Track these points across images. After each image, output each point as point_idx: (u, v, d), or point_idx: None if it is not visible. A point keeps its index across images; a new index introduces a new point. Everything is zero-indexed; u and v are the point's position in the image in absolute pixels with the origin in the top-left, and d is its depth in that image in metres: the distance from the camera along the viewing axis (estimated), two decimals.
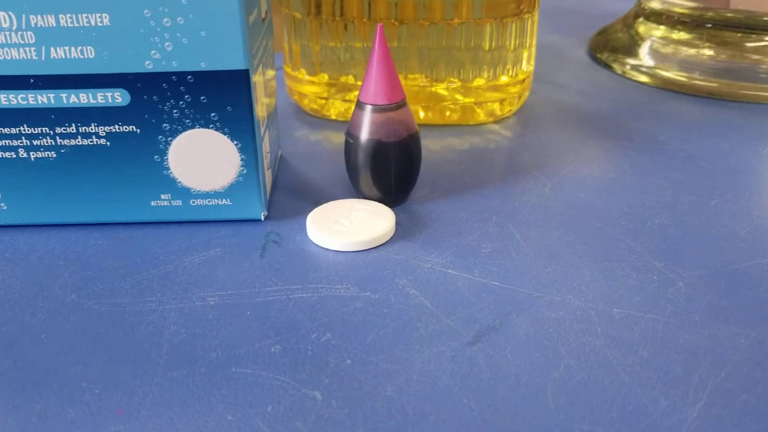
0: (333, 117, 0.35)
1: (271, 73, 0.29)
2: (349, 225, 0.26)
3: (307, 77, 0.35)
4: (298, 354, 0.20)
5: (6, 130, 0.24)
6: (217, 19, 0.23)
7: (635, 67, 0.41)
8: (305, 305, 0.22)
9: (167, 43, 0.23)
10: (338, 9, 0.32)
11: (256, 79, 0.25)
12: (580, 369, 0.19)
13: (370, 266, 0.24)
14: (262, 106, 0.26)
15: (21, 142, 0.24)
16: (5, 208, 0.26)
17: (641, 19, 0.44)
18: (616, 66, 0.42)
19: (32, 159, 0.25)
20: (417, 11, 0.32)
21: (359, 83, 0.34)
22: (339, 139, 0.34)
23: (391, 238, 0.26)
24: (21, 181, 0.25)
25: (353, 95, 0.34)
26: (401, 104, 0.26)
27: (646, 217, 0.27)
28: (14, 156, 0.25)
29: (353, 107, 0.34)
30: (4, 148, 0.25)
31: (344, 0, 0.32)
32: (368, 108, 0.26)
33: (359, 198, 0.28)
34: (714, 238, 0.25)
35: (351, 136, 0.27)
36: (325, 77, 0.34)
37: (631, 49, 0.43)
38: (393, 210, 0.27)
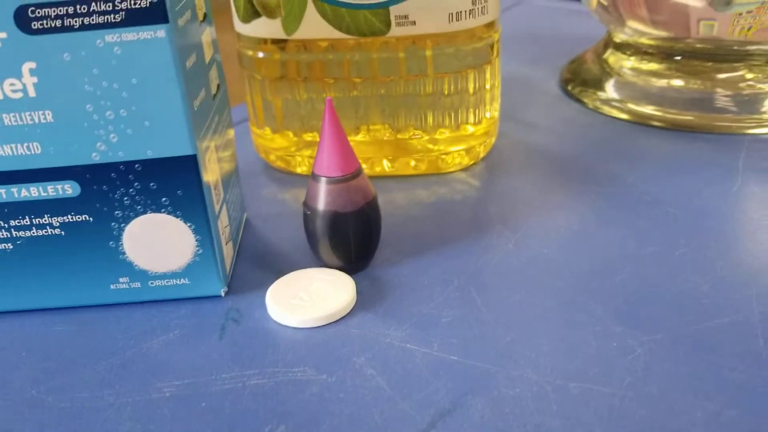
0: (300, 173, 0.35)
1: (230, 133, 0.29)
2: (308, 299, 0.26)
3: (271, 135, 0.35)
4: None
5: None
6: (159, 109, 0.23)
7: (606, 101, 0.41)
8: (260, 393, 0.22)
9: (112, 135, 0.23)
10: (302, 72, 0.32)
11: (209, 155, 0.25)
12: None
13: (328, 344, 0.24)
14: (216, 180, 0.26)
15: None
16: None
17: (611, 50, 0.44)
18: (587, 100, 0.42)
19: None
20: (378, 69, 0.32)
21: None
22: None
23: (352, 309, 0.25)
24: None
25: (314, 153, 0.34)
26: (356, 174, 0.26)
27: (608, 274, 0.26)
28: None
29: None
30: None
31: (308, 63, 0.32)
32: (323, 180, 0.26)
33: (321, 266, 0.28)
34: (675, 295, 0.25)
35: (308, 207, 0.27)
36: (290, 134, 0.34)
37: (602, 82, 0.43)
38: (354, 277, 0.27)
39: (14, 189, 0.24)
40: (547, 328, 0.24)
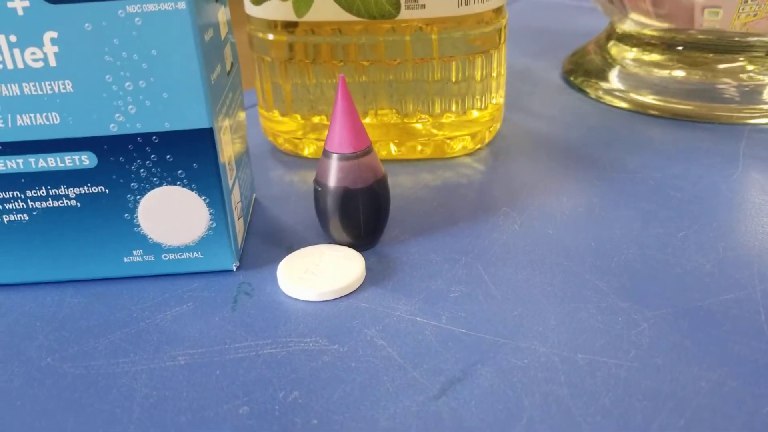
0: (308, 156, 0.36)
1: (241, 115, 0.30)
2: (319, 273, 0.26)
3: (280, 118, 0.35)
4: (266, 415, 0.20)
5: None
6: (178, 81, 0.23)
7: (608, 91, 0.42)
8: (274, 361, 0.22)
9: (130, 106, 0.23)
10: (310, 54, 0.33)
11: (223, 132, 0.26)
12: (542, 422, 0.20)
13: (339, 316, 0.24)
14: (230, 157, 0.26)
15: None
16: None
17: (613, 41, 0.44)
18: (589, 90, 0.43)
19: (5, 222, 0.25)
20: (385, 52, 0.32)
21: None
22: (313, 178, 0.34)
23: (361, 284, 0.26)
24: None
25: (326, 134, 0.35)
26: (367, 151, 0.27)
27: (613, 253, 0.27)
28: None
29: None
30: None
31: (315, 45, 0.33)
32: (334, 156, 0.26)
33: (330, 242, 0.28)
34: (679, 273, 0.26)
35: (319, 184, 0.27)
36: (298, 117, 0.35)
37: (604, 73, 0.43)
38: (363, 254, 0.28)
39: (32, 159, 0.24)
40: (554, 303, 0.24)
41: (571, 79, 0.45)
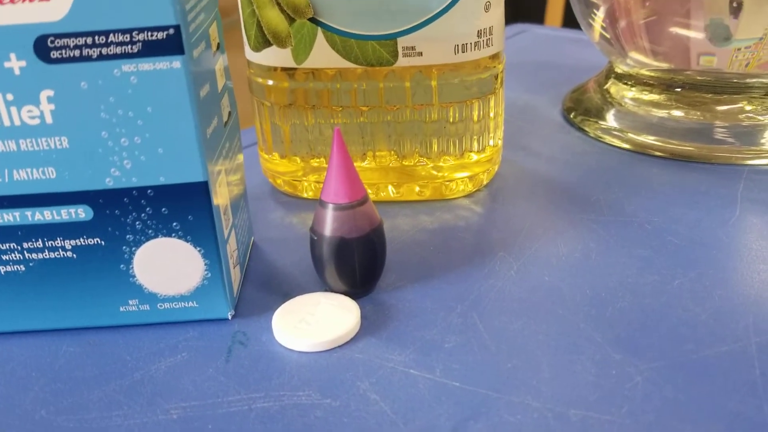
0: (307, 197, 0.36)
1: (239, 158, 0.30)
2: (314, 323, 0.26)
3: (279, 160, 0.35)
4: None
5: None
6: (173, 136, 0.23)
7: (607, 131, 0.42)
8: (266, 416, 0.22)
9: (126, 161, 0.24)
10: (310, 99, 0.33)
11: (219, 182, 0.26)
12: None
13: (332, 368, 0.24)
14: (226, 205, 0.27)
15: None
16: None
17: (612, 80, 0.45)
18: (588, 129, 0.43)
19: (2, 273, 0.25)
20: (384, 97, 0.33)
21: None
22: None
23: (357, 334, 0.26)
24: None
25: (321, 178, 0.35)
26: (363, 201, 0.27)
27: (608, 302, 0.27)
28: None
29: None
30: None
31: (315, 91, 0.33)
32: (330, 206, 0.27)
33: (326, 290, 0.28)
34: (674, 324, 0.25)
35: (315, 233, 0.27)
36: (297, 159, 0.35)
37: (603, 112, 0.43)
38: (359, 301, 0.28)
39: (28, 212, 0.24)
40: (548, 355, 0.24)
41: (571, 117, 0.45)
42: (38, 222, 0.25)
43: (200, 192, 0.24)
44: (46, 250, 0.25)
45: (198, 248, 0.25)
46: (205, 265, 0.26)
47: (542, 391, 0.23)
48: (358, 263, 0.27)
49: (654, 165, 0.38)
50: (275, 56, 0.33)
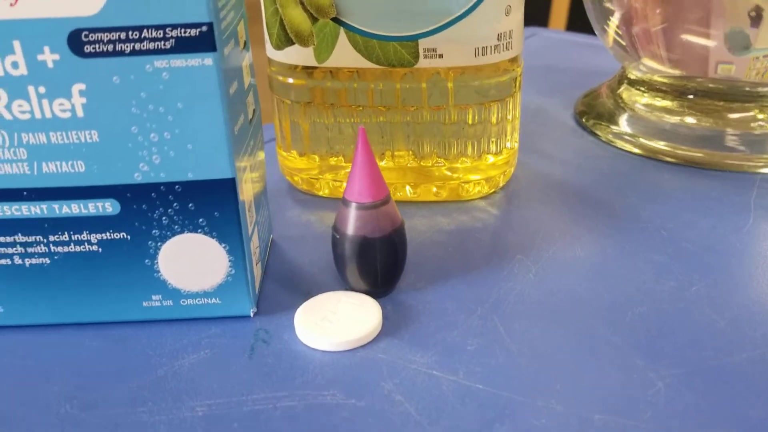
0: (324, 195, 0.36)
1: (260, 155, 0.30)
2: (335, 322, 0.26)
3: (297, 157, 0.35)
4: None
5: (1, 239, 0.25)
6: (202, 133, 0.24)
7: (619, 135, 0.42)
8: (292, 415, 0.22)
9: (155, 156, 0.24)
10: (328, 97, 0.33)
11: (245, 179, 0.26)
12: None
13: (356, 368, 0.24)
14: (250, 200, 0.27)
15: (16, 250, 0.25)
16: (2, 311, 0.26)
17: (625, 86, 0.45)
18: (600, 133, 0.43)
19: (27, 265, 0.25)
20: (402, 98, 0.33)
21: (348, 164, 0.35)
22: (330, 219, 0.34)
23: (378, 334, 0.26)
24: (17, 286, 0.26)
25: (343, 174, 0.35)
26: (385, 200, 0.27)
27: (627, 307, 0.27)
28: (10, 263, 0.25)
29: (344, 185, 0.35)
30: (0, 256, 0.25)
31: (334, 90, 0.33)
32: (353, 205, 0.27)
33: (347, 288, 0.28)
34: (693, 329, 0.26)
35: (337, 231, 0.27)
36: (316, 158, 0.35)
37: (615, 116, 0.44)
38: (380, 301, 0.28)
39: (56, 205, 0.24)
40: (570, 359, 0.25)
41: (583, 121, 0.45)
42: (65, 215, 0.25)
43: (227, 188, 0.25)
44: (72, 244, 0.25)
45: (223, 245, 0.25)
46: (230, 261, 0.26)
47: (565, 396, 0.23)
48: (380, 263, 0.27)
49: (666, 171, 0.38)
50: (297, 55, 0.33)
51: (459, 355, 0.25)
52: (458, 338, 0.26)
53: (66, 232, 0.25)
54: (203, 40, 0.22)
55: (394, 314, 0.27)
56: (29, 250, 0.25)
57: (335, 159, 0.35)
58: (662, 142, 0.40)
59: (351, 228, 0.27)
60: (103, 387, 0.24)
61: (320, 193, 0.36)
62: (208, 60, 0.23)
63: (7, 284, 0.26)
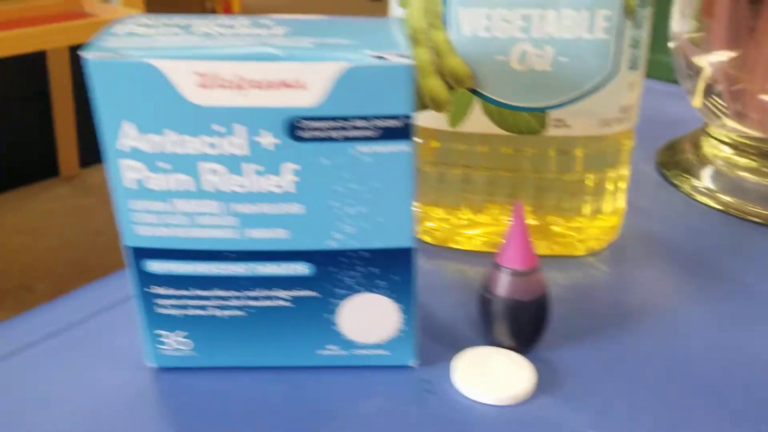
0: (453, 247, 0.39)
1: None
2: (492, 377, 0.29)
3: (424, 209, 0.38)
4: None
5: (202, 293, 0.28)
6: (392, 208, 0.27)
7: (699, 189, 0.45)
8: None
9: (349, 227, 0.27)
10: (457, 159, 0.36)
11: None
12: None
13: (521, 423, 0.27)
14: None
15: (214, 303, 0.28)
16: (195, 354, 0.29)
17: (707, 140, 0.48)
18: (686, 187, 0.46)
19: (223, 317, 0.28)
20: (527, 163, 0.36)
21: (474, 216, 0.38)
22: (451, 269, 0.37)
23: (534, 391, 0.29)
24: (211, 334, 0.29)
25: (469, 230, 0.38)
26: (537, 268, 0.30)
27: (762, 377, 0.30)
28: (207, 314, 0.28)
29: (465, 237, 0.38)
30: (199, 307, 0.28)
31: (461, 151, 0.36)
32: (507, 271, 0.30)
33: (490, 343, 0.31)
34: None
35: (488, 292, 0.30)
36: (442, 211, 0.38)
37: (697, 170, 0.47)
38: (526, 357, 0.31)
39: (256, 266, 0.27)
40: (714, 424, 0.27)
41: (666, 173, 0.48)
42: (262, 274, 0.28)
43: (408, 256, 0.28)
44: (265, 299, 0.28)
45: (399, 304, 0.28)
46: (401, 318, 0.29)
47: None
48: (529, 324, 0.30)
49: (757, 232, 0.41)
50: (431, 119, 0.36)
51: (611, 415, 0.28)
52: (607, 399, 0.28)
53: (261, 289, 0.28)
54: (403, 130, 0.25)
55: (542, 371, 0.30)
56: (226, 303, 0.28)
57: (462, 213, 0.38)
58: (748, 203, 0.43)
59: (503, 291, 0.30)
60: (299, 429, 0.27)
61: (448, 245, 0.39)
62: (404, 147, 0.26)
63: (203, 331, 0.29)
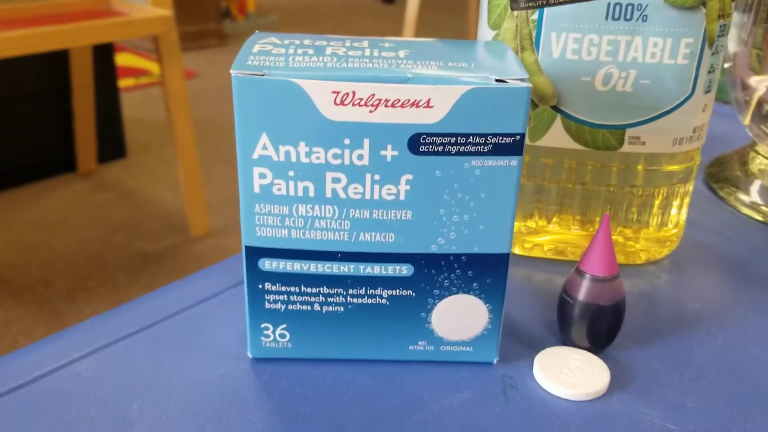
0: (520, 253, 0.41)
1: None
2: (571, 374, 0.31)
3: None
4: None
5: (309, 290, 0.30)
6: (494, 217, 0.29)
7: (750, 205, 0.47)
8: None
9: (452, 233, 0.29)
10: (533, 172, 0.38)
11: None
12: None
13: (601, 417, 0.29)
14: None
15: (318, 299, 0.30)
16: (290, 346, 0.31)
17: (755, 156, 0.50)
18: (732, 200, 0.48)
19: (323, 312, 0.31)
20: (601, 177, 0.38)
21: (548, 227, 0.40)
22: (532, 277, 0.39)
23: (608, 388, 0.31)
24: (309, 327, 0.31)
25: (537, 238, 0.40)
26: (617, 276, 0.32)
27: None
28: (310, 309, 0.31)
29: (537, 244, 0.40)
30: (303, 303, 0.30)
31: (539, 166, 0.38)
32: (588, 276, 0.32)
33: (566, 343, 0.33)
34: None
35: (570, 296, 0.32)
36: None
37: (747, 186, 0.49)
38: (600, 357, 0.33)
39: (362, 266, 0.30)
40: None
41: (714, 186, 0.50)
42: (367, 274, 0.30)
43: (503, 261, 0.30)
44: (366, 297, 0.30)
45: (488, 305, 0.31)
46: (489, 319, 0.31)
47: None
48: (605, 327, 0.32)
49: None
50: None
51: (683, 412, 0.30)
52: (677, 396, 0.31)
53: (364, 287, 0.30)
54: (515, 147, 0.27)
55: (615, 370, 0.32)
56: (329, 300, 0.30)
57: (533, 222, 0.40)
58: None
59: (584, 295, 0.32)
60: (391, 418, 0.29)
61: (517, 252, 0.41)
62: (513, 161, 0.28)
63: (302, 325, 0.31)
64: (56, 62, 1.76)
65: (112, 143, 1.96)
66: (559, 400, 0.30)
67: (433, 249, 0.29)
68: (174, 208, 1.73)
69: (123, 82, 2.50)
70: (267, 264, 0.29)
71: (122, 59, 2.76)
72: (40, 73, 1.77)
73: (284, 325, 0.31)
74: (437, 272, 0.30)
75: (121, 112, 1.96)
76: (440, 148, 0.27)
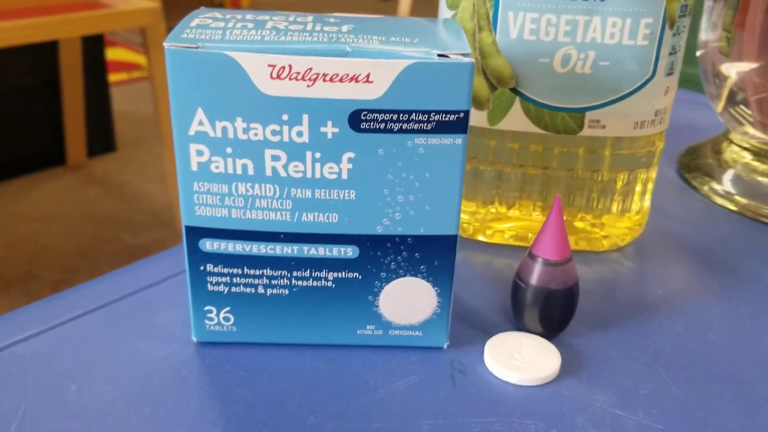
0: (481, 240, 0.40)
1: None
2: (521, 359, 0.31)
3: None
4: None
5: (252, 272, 0.29)
6: (440, 197, 0.28)
7: (720, 193, 0.46)
8: None
9: (397, 214, 0.28)
10: (493, 156, 0.38)
11: None
12: None
13: (548, 402, 0.29)
14: None
15: (261, 282, 0.30)
16: (235, 330, 0.31)
17: (728, 145, 0.49)
18: (704, 189, 0.47)
19: (268, 294, 0.30)
20: (560, 161, 0.37)
21: (508, 213, 0.39)
22: (481, 260, 0.39)
23: (559, 373, 0.31)
24: (254, 311, 0.30)
25: (498, 224, 0.39)
26: (569, 259, 0.31)
27: None
28: (253, 291, 0.30)
29: (499, 231, 0.39)
30: (247, 285, 0.30)
31: (498, 150, 0.37)
32: (540, 260, 0.31)
33: (519, 329, 0.33)
34: None
35: (522, 281, 0.32)
36: (473, 205, 0.39)
37: (719, 175, 0.48)
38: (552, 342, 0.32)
39: (305, 247, 0.29)
40: (736, 409, 0.29)
41: (686, 175, 0.50)
42: (311, 256, 0.29)
43: (450, 243, 0.29)
44: (311, 279, 0.30)
45: (435, 288, 0.30)
46: (438, 302, 0.30)
47: None
48: (558, 311, 0.32)
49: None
50: (471, 117, 0.37)
51: (634, 398, 0.29)
52: (630, 382, 0.30)
53: (308, 269, 0.29)
54: (459, 124, 0.27)
55: (566, 355, 0.32)
56: (273, 282, 0.30)
57: (493, 207, 0.39)
58: (763, 205, 0.45)
59: (535, 280, 0.31)
60: (335, 402, 0.29)
61: (477, 237, 0.40)
62: (458, 140, 0.27)
63: (246, 308, 0.30)
64: (45, 56, 1.76)
65: (102, 137, 1.95)
66: (508, 384, 0.30)
67: (379, 230, 0.29)
68: (163, 202, 1.72)
69: (115, 77, 2.50)
70: (208, 245, 0.29)
71: (115, 54, 2.76)
72: (30, 66, 1.76)
73: (228, 308, 0.30)
74: (383, 254, 0.29)
75: (112, 106, 1.96)
76: (382, 125, 0.27)
